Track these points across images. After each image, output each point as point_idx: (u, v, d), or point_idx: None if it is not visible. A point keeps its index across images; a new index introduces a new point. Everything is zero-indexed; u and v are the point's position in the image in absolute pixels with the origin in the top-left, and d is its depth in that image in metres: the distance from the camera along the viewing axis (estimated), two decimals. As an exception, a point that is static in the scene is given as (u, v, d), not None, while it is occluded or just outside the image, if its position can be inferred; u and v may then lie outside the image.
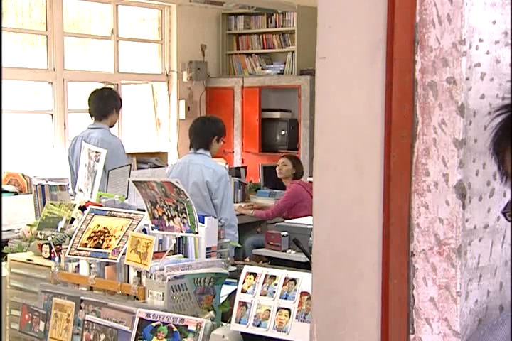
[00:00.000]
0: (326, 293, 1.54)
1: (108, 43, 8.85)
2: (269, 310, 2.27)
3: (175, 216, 2.68)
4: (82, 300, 2.73)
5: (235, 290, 2.41)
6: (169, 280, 2.51)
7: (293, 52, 9.33)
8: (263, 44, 9.76)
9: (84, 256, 2.82)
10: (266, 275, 2.33)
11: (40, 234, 3.35)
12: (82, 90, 7.96)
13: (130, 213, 2.87)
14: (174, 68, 9.42)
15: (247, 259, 4.97)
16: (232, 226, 4.85)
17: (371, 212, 1.44)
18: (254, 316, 2.29)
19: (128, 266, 2.70)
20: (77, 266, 2.88)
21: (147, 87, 9.47)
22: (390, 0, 1.41)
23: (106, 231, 2.84)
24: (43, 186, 3.93)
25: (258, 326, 2.28)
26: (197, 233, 2.68)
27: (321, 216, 1.56)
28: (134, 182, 2.81)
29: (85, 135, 5.34)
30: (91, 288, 2.83)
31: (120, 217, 2.87)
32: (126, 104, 7.83)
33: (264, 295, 2.30)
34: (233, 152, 9.39)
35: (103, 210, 2.95)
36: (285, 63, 9.45)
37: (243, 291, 2.34)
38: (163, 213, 2.72)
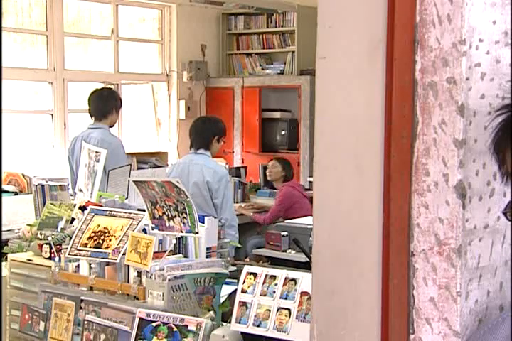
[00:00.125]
0: (326, 293, 1.54)
1: (108, 43, 8.85)
2: (269, 310, 2.27)
3: (175, 216, 2.68)
4: (82, 300, 2.73)
5: (235, 290, 2.41)
6: (169, 280, 2.51)
7: (293, 52, 9.33)
8: (263, 44, 9.76)
9: (84, 256, 2.82)
10: (266, 276, 2.33)
11: (40, 234, 3.35)
12: (82, 90, 7.97)
13: (130, 213, 2.87)
14: (174, 68, 9.42)
15: (247, 259, 4.97)
16: (233, 226, 4.85)
17: (371, 211, 1.44)
18: (254, 316, 2.29)
19: (128, 266, 2.70)
20: (77, 266, 2.88)
21: (147, 87, 9.47)
22: (390, 0, 1.41)
23: (106, 231, 2.84)
24: (43, 186, 3.93)
25: (258, 326, 2.28)
26: (197, 233, 2.68)
27: (321, 216, 1.56)
28: (134, 181, 2.81)
29: (85, 135, 5.34)
30: (91, 288, 2.83)
31: (120, 217, 2.87)
32: (126, 104, 7.83)
33: (264, 295, 2.30)
34: (233, 152, 9.39)
35: (103, 210, 2.95)
36: (285, 63, 9.45)
37: (243, 291, 2.34)
38: (164, 213, 2.72)
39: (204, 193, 4.88)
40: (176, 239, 2.74)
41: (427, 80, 1.35)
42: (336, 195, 1.51)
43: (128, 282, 2.70)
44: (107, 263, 2.79)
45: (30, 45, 8.27)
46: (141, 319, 2.48)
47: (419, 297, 1.37)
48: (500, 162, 1.24)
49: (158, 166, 7.15)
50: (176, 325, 2.40)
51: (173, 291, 2.52)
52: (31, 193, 4.84)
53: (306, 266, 3.54)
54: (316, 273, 1.57)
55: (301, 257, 4.87)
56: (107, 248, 2.77)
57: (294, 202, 6.36)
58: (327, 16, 1.53)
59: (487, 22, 1.33)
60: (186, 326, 2.39)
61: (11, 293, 3.20)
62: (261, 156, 9.01)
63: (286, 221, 5.71)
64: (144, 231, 2.81)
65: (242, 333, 2.33)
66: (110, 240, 2.79)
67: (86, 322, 2.69)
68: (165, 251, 2.72)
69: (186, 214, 2.65)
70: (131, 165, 4.12)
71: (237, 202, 6.74)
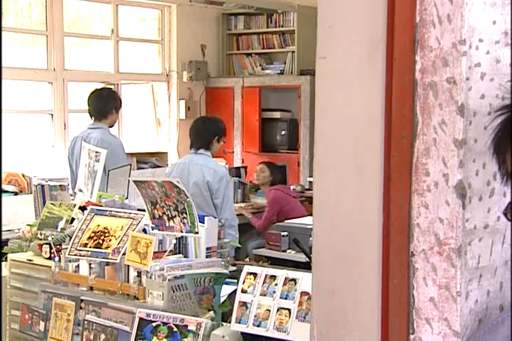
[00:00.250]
0: (326, 293, 1.54)
1: (108, 43, 8.85)
2: (269, 310, 2.27)
3: (175, 216, 2.68)
4: (82, 300, 2.73)
5: (235, 290, 2.41)
6: (169, 280, 2.51)
7: (293, 52, 9.34)
8: (263, 44, 9.76)
9: (84, 256, 2.82)
10: (266, 276, 2.33)
11: (40, 234, 3.35)
12: (82, 90, 7.97)
13: (130, 213, 2.87)
14: (174, 68, 9.42)
15: (247, 259, 4.97)
16: (233, 226, 4.85)
17: (371, 211, 1.44)
18: (254, 316, 2.29)
19: (128, 266, 2.70)
20: (77, 266, 2.88)
21: (147, 87, 9.48)
22: (390, 0, 1.41)
23: (106, 231, 2.84)
24: (43, 186, 3.93)
25: (258, 326, 2.28)
26: (197, 233, 2.68)
27: (321, 216, 1.56)
28: (134, 181, 2.81)
29: (85, 135, 5.34)
30: (91, 288, 2.83)
31: (120, 217, 2.87)
32: (126, 104, 7.84)
33: (264, 295, 2.30)
34: (233, 152, 9.39)
35: (103, 210, 2.95)
36: (285, 63, 9.45)
37: (243, 291, 2.34)
38: (164, 213, 2.72)
39: (204, 193, 4.88)
40: (176, 239, 2.74)
41: (427, 80, 1.35)
42: (335, 195, 1.51)
43: (128, 282, 2.70)
44: (107, 263, 2.79)
45: (30, 45, 8.27)
46: (141, 319, 2.48)
47: (419, 297, 1.37)
48: (500, 162, 1.24)
49: (158, 166, 7.16)
50: (176, 325, 2.40)
51: (173, 291, 2.52)
52: (31, 193, 4.84)
53: (306, 266, 3.54)
54: (316, 273, 1.57)
55: (301, 257, 4.87)
56: (107, 248, 2.77)
57: (283, 205, 6.38)
58: (327, 16, 1.53)
59: (487, 22, 1.33)
60: (186, 326, 2.39)
61: (11, 293, 3.20)
62: (261, 156, 9.01)
63: (286, 221, 5.71)
64: (144, 231, 2.81)
65: (242, 333, 2.33)
66: (110, 240, 2.79)
67: (86, 322, 2.69)
68: (165, 251, 2.72)
69: (186, 214, 2.65)
70: (131, 165, 4.12)
71: (237, 202, 6.74)
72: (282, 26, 9.50)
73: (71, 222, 3.27)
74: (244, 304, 2.32)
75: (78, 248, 2.84)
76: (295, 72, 9.27)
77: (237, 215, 5.31)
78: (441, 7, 1.33)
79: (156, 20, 9.41)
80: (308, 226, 4.60)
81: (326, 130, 1.54)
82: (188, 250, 2.87)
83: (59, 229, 3.25)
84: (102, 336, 2.62)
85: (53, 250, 3.11)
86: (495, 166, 1.27)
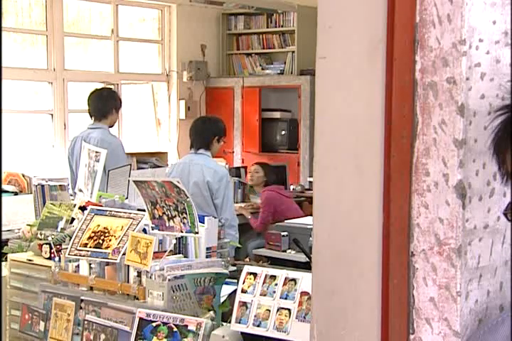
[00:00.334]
0: (326, 293, 1.54)
1: (108, 43, 8.85)
2: (269, 310, 2.27)
3: (175, 216, 2.68)
4: (82, 300, 2.73)
5: (235, 290, 2.41)
6: (169, 280, 2.51)
7: (293, 52, 9.34)
8: (263, 44, 9.76)
9: (84, 256, 2.82)
10: (266, 276, 2.33)
11: (40, 234, 3.35)
12: (82, 90, 7.97)
13: (130, 213, 2.87)
14: (174, 68, 9.42)
15: (247, 259, 4.97)
16: (233, 226, 4.85)
17: (371, 211, 1.44)
18: (254, 316, 2.29)
19: (128, 266, 2.70)
20: (77, 266, 2.88)
21: (147, 87, 9.48)
22: (390, 0, 1.41)
23: (106, 231, 2.84)
24: (43, 186, 3.93)
25: (258, 326, 2.28)
26: (197, 233, 2.68)
27: (321, 216, 1.56)
28: (134, 181, 2.81)
29: (85, 135, 5.34)
30: (91, 288, 2.83)
31: (120, 217, 2.87)
32: (126, 104, 7.84)
33: (264, 295, 2.30)
34: (233, 152, 9.39)
35: (103, 210, 2.95)
36: (285, 63, 9.46)
37: (243, 291, 2.34)
38: (164, 213, 2.72)
39: (204, 193, 4.89)
40: (176, 239, 2.74)
41: (427, 80, 1.35)
42: (336, 195, 1.51)
43: (128, 282, 2.70)
44: (107, 263, 2.79)
45: (30, 45, 8.27)
46: (141, 319, 2.48)
47: (419, 297, 1.37)
48: (500, 162, 1.24)
49: (158, 166, 7.16)
50: (176, 325, 2.40)
51: (173, 291, 2.52)
52: (31, 193, 4.84)
53: (306, 266, 3.54)
54: (316, 273, 1.57)
55: (301, 257, 4.87)
56: (107, 248, 2.77)
57: (277, 205, 6.40)
58: (327, 16, 1.53)
59: (487, 22, 1.33)
60: (186, 326, 2.39)
61: (11, 293, 3.20)
62: (261, 156, 9.01)
63: (286, 221, 5.71)
64: (144, 231, 2.81)
65: (242, 333, 2.33)
66: (110, 240, 2.79)
67: (86, 322, 2.69)
68: (165, 251, 2.72)
69: (186, 214, 2.65)
70: (131, 165, 4.12)
71: (237, 202, 6.74)
72: (282, 26, 9.50)
73: (71, 222, 3.27)
74: (244, 304, 2.32)
75: (78, 248, 2.84)
76: (295, 72, 9.28)
77: (237, 215, 5.31)
78: (441, 7, 1.33)
79: (156, 20, 9.41)
80: (308, 226, 4.60)
81: (326, 130, 1.54)
82: (188, 250, 2.87)
83: (59, 229, 3.25)
84: (102, 336, 2.62)
85: (53, 250, 3.11)
86: (495, 166, 1.27)
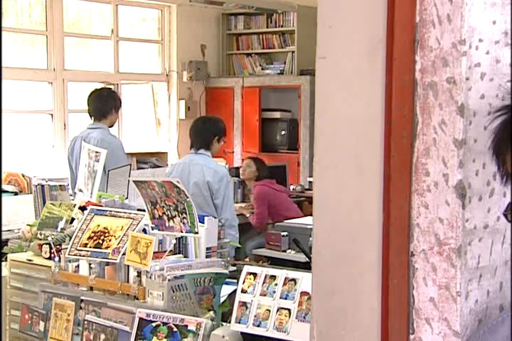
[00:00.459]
0: (326, 293, 1.54)
1: (108, 43, 8.85)
2: (269, 310, 2.27)
3: (175, 216, 2.68)
4: (82, 300, 2.73)
5: (235, 290, 2.41)
6: (169, 280, 2.51)
7: (293, 52, 9.34)
8: (263, 44, 9.76)
9: (84, 256, 2.82)
10: (266, 276, 2.33)
11: (40, 234, 3.35)
12: (82, 90, 7.97)
13: (130, 213, 2.87)
14: (174, 68, 9.42)
15: (247, 259, 4.97)
16: (233, 227, 4.85)
17: (371, 211, 1.44)
18: (254, 316, 2.29)
19: (128, 266, 2.70)
20: (77, 266, 2.88)
21: (147, 87, 9.48)
22: (390, 0, 1.41)
23: (106, 231, 2.84)
24: (43, 186, 3.93)
25: (258, 326, 2.28)
26: (197, 233, 2.68)
27: (321, 216, 1.56)
28: (134, 181, 2.81)
29: (85, 135, 5.34)
30: (91, 288, 2.83)
31: (120, 217, 2.87)
32: (126, 104, 7.84)
33: (264, 295, 2.30)
34: (233, 152, 9.39)
35: (103, 210, 2.95)
36: (285, 63, 9.45)
37: (243, 291, 2.34)
38: (163, 213, 2.72)
39: (204, 193, 4.89)
40: (176, 239, 2.74)
41: (426, 80, 1.35)
42: (336, 195, 1.51)
43: (128, 282, 2.70)
44: (107, 263, 2.79)
45: (30, 45, 8.27)
46: (141, 319, 2.48)
47: (419, 297, 1.37)
48: (500, 163, 1.24)
49: (158, 166, 7.16)
50: (175, 325, 2.40)
51: (173, 291, 2.52)
52: (31, 193, 4.84)
53: (306, 266, 3.54)
54: (316, 273, 1.57)
55: (301, 257, 4.87)
56: (106, 248, 2.77)
57: (271, 199, 6.40)
58: (327, 16, 1.53)
59: (487, 22, 1.33)
60: (186, 326, 2.39)
61: (11, 293, 3.20)
62: (261, 156, 9.00)
63: (286, 221, 5.71)
64: (144, 231, 2.81)
65: (242, 333, 2.33)
66: (110, 240, 2.79)
67: (86, 322, 2.69)
68: (165, 251, 2.72)
69: (186, 214, 2.65)
70: (131, 165, 4.12)
71: (237, 202, 6.74)
72: (282, 26, 9.50)
73: (71, 222, 3.27)
74: (244, 304, 2.32)
75: (78, 248, 2.84)
76: (295, 72, 9.27)
77: (237, 215, 5.31)
78: (441, 7, 1.33)
79: (156, 20, 9.41)
80: (308, 226, 4.60)
81: (326, 130, 1.54)
82: (188, 250, 2.87)
83: (59, 229, 3.25)
84: (102, 336, 2.62)
85: (53, 250, 3.11)
86: (495, 166, 1.27)
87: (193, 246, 2.88)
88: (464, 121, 1.31)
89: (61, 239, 3.15)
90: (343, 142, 1.50)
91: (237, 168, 7.59)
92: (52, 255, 3.09)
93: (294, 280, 2.28)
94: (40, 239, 3.33)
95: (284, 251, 5.32)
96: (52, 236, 3.20)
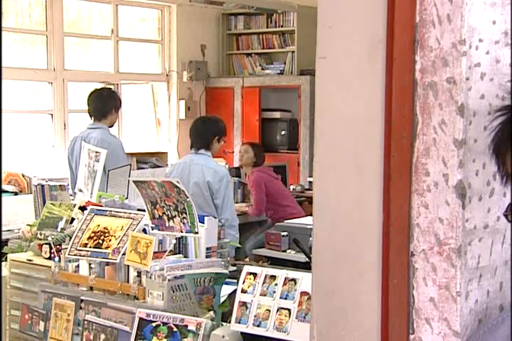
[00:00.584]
0: (326, 293, 1.54)
1: (108, 43, 8.85)
2: (269, 310, 2.27)
3: (175, 216, 2.68)
4: (82, 300, 2.73)
5: (235, 290, 2.41)
6: (169, 280, 2.51)
7: (293, 52, 9.34)
8: (263, 44, 9.76)
9: (84, 256, 2.82)
10: (266, 276, 2.33)
11: (40, 234, 3.35)
12: (82, 90, 7.97)
13: (130, 213, 2.87)
14: (174, 68, 9.42)
15: (247, 259, 4.97)
16: (233, 227, 4.85)
17: (371, 211, 1.44)
18: (254, 316, 2.29)
19: (128, 266, 2.70)
20: (77, 266, 2.88)
21: (147, 87, 9.48)
22: (389, 0, 1.41)
23: (106, 231, 2.84)
24: (43, 186, 3.93)
25: (258, 326, 2.28)
26: (197, 233, 2.68)
27: (321, 216, 1.56)
28: (134, 181, 2.81)
29: (85, 135, 5.34)
30: (91, 288, 2.83)
31: (120, 217, 2.87)
32: (126, 104, 7.84)
33: (264, 295, 2.30)
34: (233, 152, 9.39)
35: (103, 210, 2.95)
36: (285, 63, 9.45)
37: (243, 291, 2.34)
38: (163, 213, 2.72)
39: (205, 193, 4.89)
40: (176, 239, 2.74)
41: (426, 80, 1.35)
42: (336, 195, 1.51)
43: (128, 282, 2.70)
44: (107, 263, 2.79)
45: (30, 45, 8.27)
46: (141, 319, 2.48)
47: (419, 297, 1.37)
48: (500, 163, 1.24)
49: (158, 166, 7.16)
50: (175, 325, 2.40)
51: (173, 291, 2.52)
52: (31, 193, 4.84)
53: (306, 266, 3.54)
54: (316, 273, 1.57)
55: (301, 257, 4.87)
56: (106, 248, 2.77)
57: (268, 186, 6.42)
58: (327, 16, 1.53)
59: (487, 22, 1.33)
60: (186, 326, 2.39)
61: (11, 293, 3.20)
62: (261, 156, 9.00)
63: (286, 221, 5.71)
64: (144, 231, 2.81)
65: (242, 333, 2.33)
66: (110, 240, 2.79)
67: (86, 322, 2.69)
68: (165, 251, 2.72)
69: (186, 214, 2.65)
70: (131, 165, 4.12)
71: (237, 202, 6.74)
72: (282, 26, 9.50)
73: (71, 222, 3.27)
74: (244, 304, 2.32)
75: (78, 248, 2.84)
76: (295, 72, 9.27)
77: (238, 215, 5.31)
78: (441, 7, 1.33)
79: (156, 20, 9.41)
80: (308, 226, 4.60)
81: (326, 130, 1.54)
82: (188, 250, 2.87)
83: (59, 229, 3.25)
84: (102, 336, 2.62)
85: (53, 250, 3.11)
86: (495, 166, 1.27)
87: (193, 246, 2.88)
88: (464, 121, 1.31)
89: (61, 239, 3.15)
90: (343, 142, 1.50)
91: (237, 168, 7.59)
92: (52, 255, 3.09)
93: (294, 280, 2.28)
94: (40, 239, 3.33)
95: (284, 251, 5.32)
96: (52, 236, 3.20)
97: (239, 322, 2.31)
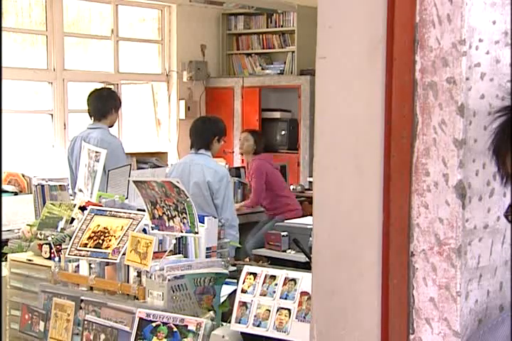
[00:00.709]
0: (326, 293, 1.54)
1: (108, 43, 8.85)
2: (269, 310, 2.27)
3: (175, 216, 2.68)
4: (82, 300, 2.73)
5: (235, 290, 2.41)
6: (169, 280, 2.51)
7: (293, 52, 9.34)
8: (263, 44, 9.76)
9: (84, 256, 2.82)
10: (266, 276, 2.33)
11: (40, 234, 3.35)
12: (82, 90, 7.97)
13: (130, 213, 2.87)
14: (174, 68, 9.42)
15: (247, 259, 4.97)
16: (233, 227, 4.86)
17: (371, 211, 1.44)
18: (254, 316, 2.29)
19: (128, 266, 2.70)
20: (77, 266, 2.88)
21: (147, 87, 9.48)
22: (389, 0, 1.41)
23: (106, 231, 2.84)
24: (43, 186, 3.93)
25: (258, 326, 2.28)
26: (197, 233, 2.68)
27: (321, 216, 1.56)
28: (134, 182, 2.81)
29: (85, 135, 5.34)
30: (91, 288, 2.83)
31: (120, 217, 2.87)
32: (126, 104, 7.84)
33: (264, 295, 2.30)
34: (233, 152, 9.39)
35: (103, 210, 2.95)
36: (285, 63, 9.45)
37: (243, 291, 2.34)
38: (163, 213, 2.72)
39: (205, 193, 4.89)
40: (176, 239, 2.74)
41: (426, 80, 1.35)
42: (336, 195, 1.51)
43: (128, 282, 2.70)
44: (107, 263, 2.79)
45: (30, 45, 8.27)
46: (141, 319, 2.48)
47: (419, 297, 1.37)
48: (499, 164, 1.24)
49: (158, 166, 7.16)
50: (175, 325, 2.40)
51: (173, 291, 2.52)
52: (31, 193, 4.84)
53: (306, 266, 3.54)
54: (316, 273, 1.57)
55: (301, 257, 4.87)
56: (106, 248, 2.77)
57: (268, 176, 6.43)
58: (327, 16, 1.53)
59: (487, 22, 1.33)
60: (186, 326, 2.39)
61: (11, 293, 3.20)
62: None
63: (286, 221, 5.71)
64: (144, 231, 2.81)
65: (242, 333, 2.33)
66: (110, 240, 2.79)
67: (86, 322, 2.69)
68: (165, 251, 2.72)
69: (186, 214, 2.65)
70: (131, 165, 4.12)
71: (237, 202, 6.74)
72: (282, 26, 9.50)
73: (71, 222, 3.27)
74: (244, 304, 2.32)
75: (78, 248, 2.84)
76: (295, 72, 9.27)
77: (238, 215, 5.31)
78: (441, 7, 1.33)
79: (156, 20, 9.41)
80: (308, 226, 4.60)
81: (326, 130, 1.54)
82: (188, 250, 2.87)
83: (59, 229, 3.25)
84: (102, 336, 2.62)
85: (53, 250, 3.11)
86: (495, 166, 1.27)
87: (193, 246, 2.88)
88: (464, 121, 1.31)
89: (61, 239, 3.15)
90: (343, 142, 1.50)
91: (237, 168, 7.60)
92: (52, 255, 3.09)
93: (294, 280, 2.28)
94: (40, 239, 3.33)
95: (284, 251, 5.32)
96: (52, 236, 3.20)
97: (239, 322, 2.31)
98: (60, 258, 2.95)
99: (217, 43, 9.84)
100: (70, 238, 2.95)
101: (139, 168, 6.93)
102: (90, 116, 5.51)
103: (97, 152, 3.66)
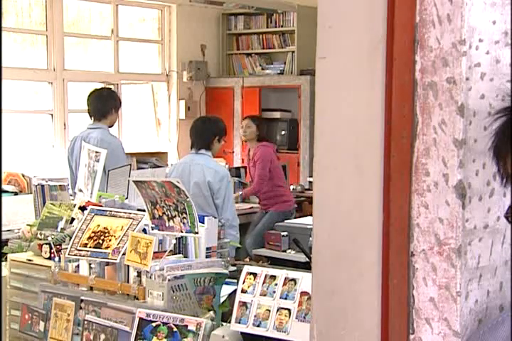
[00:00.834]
0: (326, 293, 1.54)
1: (108, 43, 8.85)
2: (269, 310, 2.27)
3: (175, 216, 2.68)
4: (82, 300, 2.73)
5: (235, 290, 2.41)
6: (169, 280, 2.51)
7: (293, 52, 9.34)
8: (263, 44, 9.76)
9: (84, 256, 2.82)
10: (266, 276, 2.33)
11: (40, 234, 3.35)
12: (82, 90, 7.97)
13: (130, 213, 2.87)
14: (174, 68, 9.42)
15: (247, 259, 4.97)
16: (234, 227, 4.85)
17: (371, 211, 1.44)
18: (254, 316, 2.29)
19: (128, 266, 2.70)
20: (77, 266, 2.88)
21: (147, 87, 9.48)
22: (389, 0, 1.41)
23: (106, 231, 2.84)
24: (43, 186, 3.93)
25: (258, 326, 2.28)
26: (197, 233, 2.68)
27: (321, 216, 1.56)
28: (134, 181, 2.81)
29: (85, 135, 5.34)
30: (91, 288, 2.83)
31: (120, 217, 2.87)
32: (126, 104, 7.84)
33: (264, 295, 2.30)
34: (233, 152, 9.39)
35: (103, 210, 2.95)
36: (285, 63, 9.45)
37: (243, 291, 2.34)
38: (163, 213, 2.72)
39: (205, 193, 4.89)
40: (176, 239, 2.74)
41: (426, 80, 1.35)
42: (336, 195, 1.51)
43: (128, 282, 2.70)
44: (107, 263, 2.79)
45: (30, 45, 8.27)
46: (141, 319, 2.48)
47: (419, 297, 1.37)
48: (499, 164, 1.24)
49: (158, 166, 7.16)
50: (175, 325, 2.40)
51: (173, 291, 2.52)
52: (31, 193, 4.84)
53: (306, 266, 3.54)
54: (316, 273, 1.57)
55: (301, 257, 4.87)
56: (106, 248, 2.77)
57: (271, 163, 6.41)
58: (327, 16, 1.53)
59: (487, 22, 1.33)
60: (186, 326, 2.39)
61: (11, 293, 3.20)
62: (261, 156, 8.99)
63: (286, 221, 5.72)
64: (144, 231, 2.81)
65: (242, 333, 2.33)
66: (110, 240, 2.79)
67: (86, 322, 2.69)
68: (165, 251, 2.72)
69: (186, 214, 2.65)
70: (131, 165, 4.12)
71: (237, 202, 6.73)
72: (282, 26, 9.50)
73: (71, 222, 3.27)
74: (244, 304, 2.32)
75: (78, 248, 2.84)
76: (295, 72, 9.27)
77: (238, 215, 5.31)
78: (441, 7, 1.33)
79: (156, 20, 9.41)
80: (308, 226, 4.60)
81: (326, 130, 1.54)
82: (188, 250, 2.87)
83: (59, 229, 3.25)
84: (102, 336, 2.62)
85: (53, 250, 3.11)
86: (495, 166, 1.27)
87: (193, 246, 2.88)
88: (464, 121, 1.31)
89: (61, 239, 3.15)
90: (343, 142, 1.50)
91: (238, 168, 7.60)
92: (52, 255, 3.09)
93: (294, 280, 2.28)
94: (40, 239, 3.33)
95: (284, 251, 5.32)
96: (52, 236, 3.20)
97: (239, 322, 2.31)
98: (60, 258, 2.95)
99: (217, 43, 9.84)
100: (70, 238, 2.95)
101: (139, 168, 6.93)
102: (90, 116, 5.51)
103: (97, 152, 3.66)
